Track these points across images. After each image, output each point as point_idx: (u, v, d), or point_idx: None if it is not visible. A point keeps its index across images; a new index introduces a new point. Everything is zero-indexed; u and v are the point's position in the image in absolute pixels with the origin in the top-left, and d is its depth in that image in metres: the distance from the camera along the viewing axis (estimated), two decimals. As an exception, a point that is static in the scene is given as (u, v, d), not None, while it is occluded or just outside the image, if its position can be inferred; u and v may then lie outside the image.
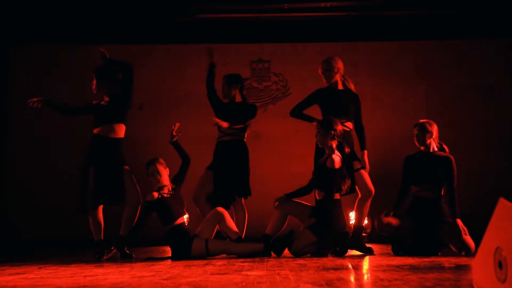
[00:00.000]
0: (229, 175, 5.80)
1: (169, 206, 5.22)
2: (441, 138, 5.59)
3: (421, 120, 5.48)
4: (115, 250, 5.33)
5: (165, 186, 5.31)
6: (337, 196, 5.23)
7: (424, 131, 5.38)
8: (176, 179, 5.47)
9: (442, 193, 5.34)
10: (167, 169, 5.36)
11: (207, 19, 7.97)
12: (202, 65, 7.68)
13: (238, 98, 6.02)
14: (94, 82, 5.57)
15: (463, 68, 8.06)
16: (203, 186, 5.82)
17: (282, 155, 7.78)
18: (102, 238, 5.47)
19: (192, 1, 7.56)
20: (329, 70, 5.75)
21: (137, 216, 5.42)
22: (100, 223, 5.49)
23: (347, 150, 5.35)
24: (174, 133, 5.54)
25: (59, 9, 7.57)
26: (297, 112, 5.77)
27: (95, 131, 5.53)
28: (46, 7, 7.51)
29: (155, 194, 5.23)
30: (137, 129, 7.68)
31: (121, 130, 5.57)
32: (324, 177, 5.21)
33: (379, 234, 5.39)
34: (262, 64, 8.14)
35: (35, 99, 5.46)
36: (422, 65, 8.10)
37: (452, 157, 5.36)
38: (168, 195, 5.29)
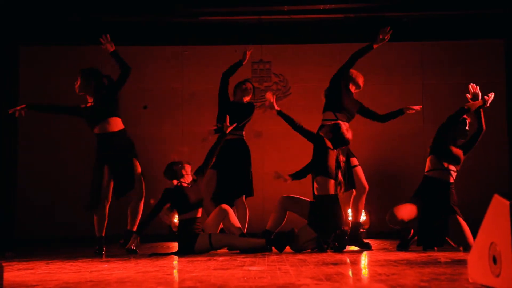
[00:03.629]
0: (231, 173, 5.87)
1: (186, 195, 5.25)
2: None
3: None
4: (134, 235, 5.38)
5: (186, 177, 5.38)
6: (333, 191, 5.33)
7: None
8: (199, 171, 5.52)
9: (454, 178, 5.42)
10: (190, 166, 5.45)
11: (210, 21, 8.07)
12: (204, 66, 7.79)
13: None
14: (79, 82, 5.61)
15: (459, 68, 8.14)
16: (207, 185, 5.89)
17: (283, 153, 7.86)
18: (103, 235, 5.58)
19: (195, 4, 7.63)
20: (358, 88, 5.85)
21: (141, 210, 5.54)
22: (104, 219, 5.59)
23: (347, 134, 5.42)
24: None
25: (66, 11, 7.65)
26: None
27: (96, 131, 5.61)
28: (54, 10, 7.60)
29: (175, 182, 5.31)
30: (141, 128, 7.79)
31: (118, 123, 5.61)
32: (318, 151, 5.33)
33: (389, 227, 5.41)
34: (263, 64, 8.22)
35: (18, 108, 5.57)
36: (418, 65, 8.19)
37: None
38: (187, 185, 5.35)
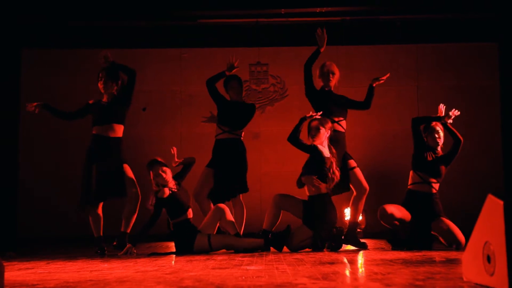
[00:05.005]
0: (228, 172, 5.91)
1: (180, 200, 5.32)
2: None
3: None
4: (129, 245, 5.40)
5: (170, 182, 5.43)
6: (325, 190, 5.38)
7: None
8: (178, 176, 5.58)
9: (436, 189, 5.50)
10: (169, 169, 5.48)
11: (208, 24, 8.12)
12: (203, 68, 7.84)
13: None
14: (102, 81, 5.68)
15: (453, 71, 8.21)
16: (203, 184, 5.92)
17: (280, 154, 7.92)
18: (101, 234, 5.61)
19: (194, 7, 7.68)
20: (328, 74, 5.90)
21: (136, 212, 5.57)
22: (99, 220, 5.62)
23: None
24: (176, 159, 5.63)
25: (67, 15, 7.69)
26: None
27: (95, 131, 5.65)
28: (55, 13, 7.64)
29: (166, 190, 5.33)
30: (141, 129, 7.84)
31: (120, 130, 5.71)
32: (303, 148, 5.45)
33: (384, 227, 5.48)
34: (261, 67, 8.28)
35: (34, 104, 5.62)
36: (413, 67, 8.26)
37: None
38: (177, 190, 5.41)
